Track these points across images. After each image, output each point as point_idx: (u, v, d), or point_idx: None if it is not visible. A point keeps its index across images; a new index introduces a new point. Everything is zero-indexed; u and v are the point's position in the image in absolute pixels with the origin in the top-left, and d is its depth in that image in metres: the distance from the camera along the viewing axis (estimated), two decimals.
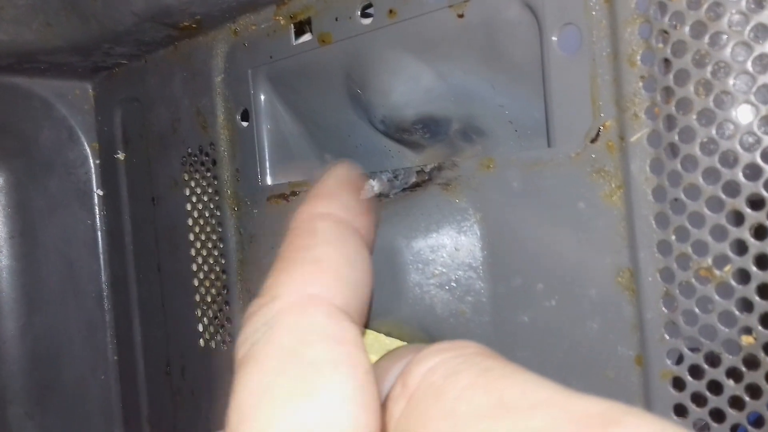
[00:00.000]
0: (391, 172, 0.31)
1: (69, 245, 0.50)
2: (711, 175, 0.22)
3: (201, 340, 0.42)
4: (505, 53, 0.28)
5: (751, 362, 0.22)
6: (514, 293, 0.27)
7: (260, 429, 0.14)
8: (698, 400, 0.23)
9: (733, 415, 0.23)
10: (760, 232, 0.22)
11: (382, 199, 0.31)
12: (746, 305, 0.22)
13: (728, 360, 0.22)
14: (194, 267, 0.42)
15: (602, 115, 0.24)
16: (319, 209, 0.21)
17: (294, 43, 0.34)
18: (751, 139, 0.22)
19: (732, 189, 0.22)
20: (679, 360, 0.23)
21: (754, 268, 0.22)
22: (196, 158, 0.41)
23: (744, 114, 0.22)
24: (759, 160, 0.22)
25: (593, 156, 0.25)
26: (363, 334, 0.26)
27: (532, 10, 0.26)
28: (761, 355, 0.22)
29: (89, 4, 0.38)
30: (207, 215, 0.41)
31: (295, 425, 0.14)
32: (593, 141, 0.25)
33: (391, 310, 0.29)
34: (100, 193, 0.51)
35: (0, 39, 0.40)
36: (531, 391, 0.14)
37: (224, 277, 0.40)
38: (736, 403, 0.22)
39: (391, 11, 0.30)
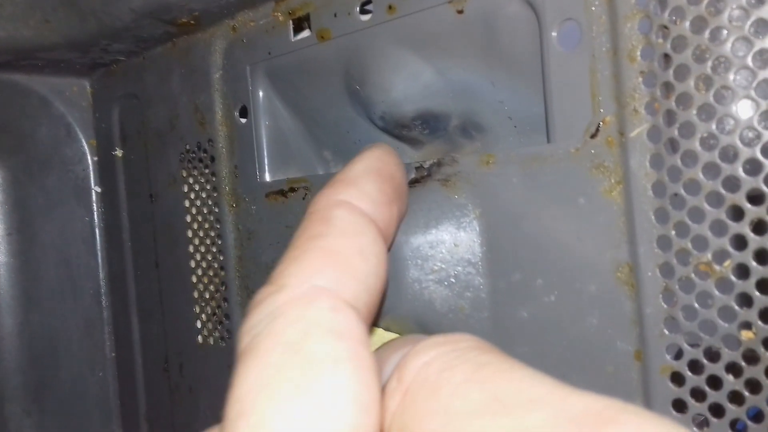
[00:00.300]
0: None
1: (67, 242, 0.50)
2: (711, 170, 0.22)
3: (199, 336, 0.42)
4: (505, 49, 0.28)
5: (751, 357, 0.22)
6: (514, 289, 0.27)
7: (257, 424, 0.14)
8: (698, 395, 0.23)
9: (732, 410, 0.23)
10: (759, 227, 0.22)
11: None
12: (746, 300, 0.22)
13: (728, 355, 0.22)
14: (192, 264, 0.42)
15: (602, 110, 0.24)
16: (339, 196, 0.20)
17: (292, 39, 0.34)
18: (751, 135, 0.22)
19: (732, 184, 0.22)
20: (679, 355, 0.23)
21: (753, 263, 0.22)
22: (194, 155, 0.41)
23: (744, 109, 0.22)
24: (759, 156, 0.22)
25: (593, 151, 0.25)
26: (371, 330, 0.26)
27: (532, 5, 0.26)
28: (761, 350, 0.22)
29: (87, 1, 0.38)
30: (205, 212, 0.41)
31: (293, 422, 0.14)
32: (593, 136, 0.25)
33: (390, 306, 0.29)
34: (98, 189, 0.50)
35: None
36: (527, 388, 0.13)
37: (222, 273, 0.40)
38: (736, 398, 0.22)
39: (390, 7, 0.30)
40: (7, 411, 0.48)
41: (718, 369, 0.23)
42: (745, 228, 0.22)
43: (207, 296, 0.42)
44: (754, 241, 0.22)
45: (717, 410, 0.23)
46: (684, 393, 0.23)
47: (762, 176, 0.21)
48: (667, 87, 0.23)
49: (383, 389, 0.16)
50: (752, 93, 0.21)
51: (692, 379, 0.23)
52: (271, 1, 0.35)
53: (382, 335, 0.29)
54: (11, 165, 0.48)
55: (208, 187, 0.41)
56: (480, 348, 0.15)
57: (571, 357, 0.26)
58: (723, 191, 0.22)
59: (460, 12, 0.28)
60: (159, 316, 0.46)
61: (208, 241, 0.41)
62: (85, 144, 0.50)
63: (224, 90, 0.39)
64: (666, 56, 0.23)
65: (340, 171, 0.22)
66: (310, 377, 0.14)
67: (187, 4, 0.36)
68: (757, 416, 0.22)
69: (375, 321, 0.28)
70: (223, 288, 0.40)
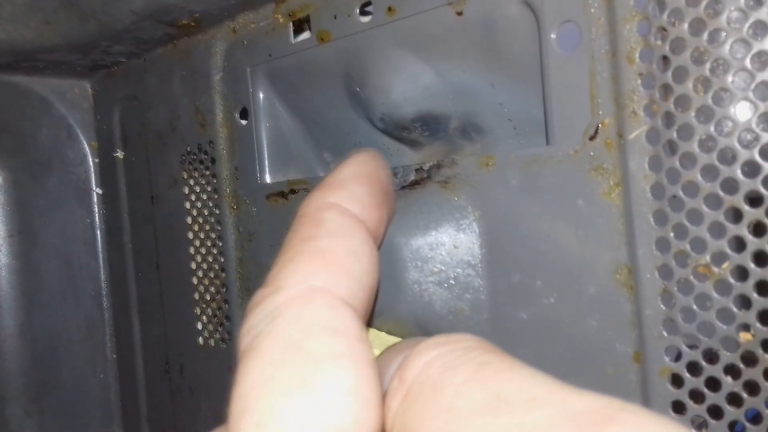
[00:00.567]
0: (390, 170, 0.31)
1: (68, 244, 0.50)
2: (709, 172, 0.22)
3: (200, 338, 0.42)
4: (504, 51, 0.28)
5: (749, 359, 0.22)
6: (513, 290, 0.27)
7: (260, 421, 0.14)
8: (696, 396, 0.23)
9: (731, 412, 0.23)
10: (758, 229, 0.22)
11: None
12: (744, 302, 0.22)
13: (726, 357, 0.22)
14: (193, 265, 0.42)
15: (601, 112, 0.24)
16: (329, 199, 0.21)
17: (293, 41, 0.34)
18: (749, 136, 0.22)
19: (730, 186, 0.22)
20: (678, 357, 0.23)
21: (752, 265, 0.22)
22: (195, 156, 0.41)
23: (742, 111, 0.22)
24: (757, 157, 0.22)
25: (592, 153, 0.25)
26: (366, 329, 0.26)
27: (531, 7, 0.26)
28: (759, 352, 0.22)
29: (88, 2, 0.38)
30: (206, 213, 0.41)
31: (295, 418, 0.14)
32: (592, 138, 0.25)
33: (390, 308, 0.29)
34: (99, 191, 0.51)
35: None
36: (528, 387, 0.13)
37: (223, 275, 0.40)
38: (734, 399, 0.23)
39: (390, 9, 0.30)
40: (8, 412, 0.48)
41: (716, 371, 0.23)
42: (743, 230, 0.22)
43: (208, 298, 0.42)
44: (753, 242, 0.22)
45: (716, 412, 0.23)
46: (683, 395, 0.23)
47: (760, 178, 0.21)
48: (666, 89, 0.23)
49: (386, 389, 0.16)
50: (750, 95, 0.21)
51: (691, 381, 0.23)
52: (272, 3, 0.35)
53: (379, 337, 0.29)
54: (12, 166, 0.49)
55: (209, 188, 0.41)
56: (481, 348, 0.16)
57: (571, 358, 0.26)
58: (721, 193, 0.22)
59: (460, 14, 0.28)
60: (160, 317, 0.46)
61: (208, 243, 0.41)
62: (86, 145, 0.50)
63: (225, 92, 0.39)
64: (665, 58, 0.23)
65: (329, 174, 0.22)
66: (311, 373, 0.15)
67: (187, 6, 0.36)
68: (755, 418, 0.22)
69: (369, 321, 0.29)
70: (224, 290, 0.40)
